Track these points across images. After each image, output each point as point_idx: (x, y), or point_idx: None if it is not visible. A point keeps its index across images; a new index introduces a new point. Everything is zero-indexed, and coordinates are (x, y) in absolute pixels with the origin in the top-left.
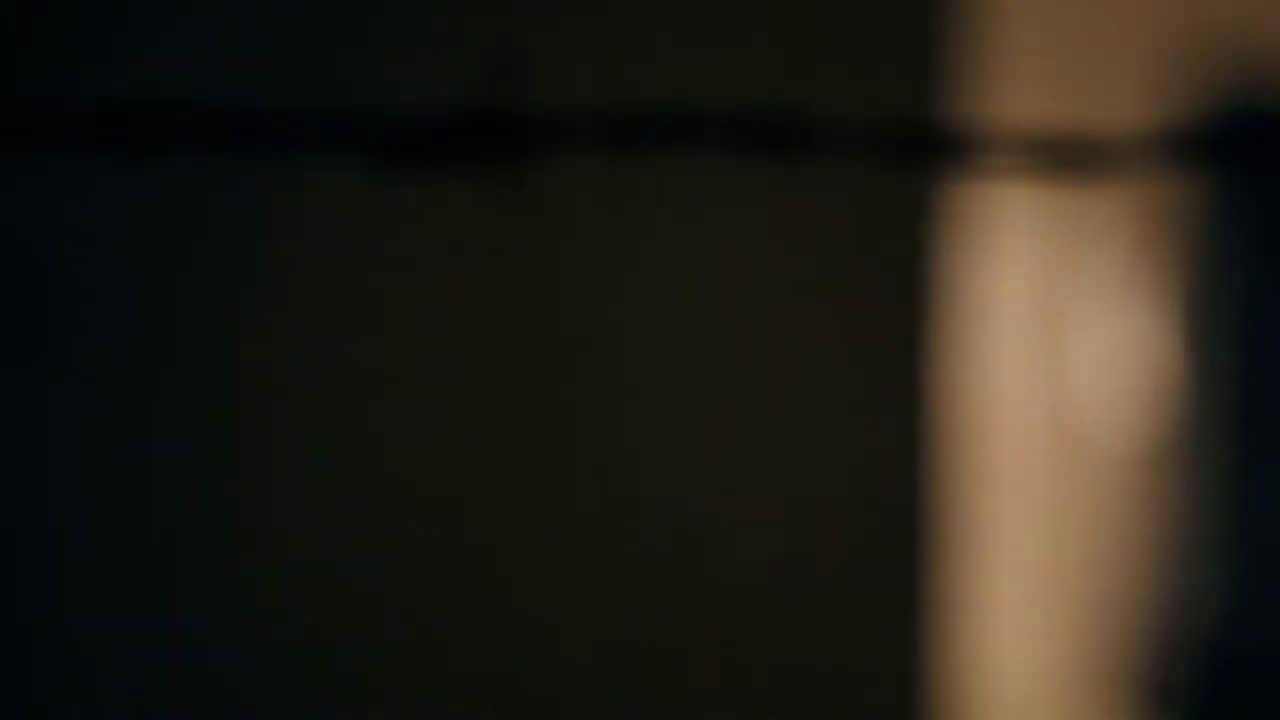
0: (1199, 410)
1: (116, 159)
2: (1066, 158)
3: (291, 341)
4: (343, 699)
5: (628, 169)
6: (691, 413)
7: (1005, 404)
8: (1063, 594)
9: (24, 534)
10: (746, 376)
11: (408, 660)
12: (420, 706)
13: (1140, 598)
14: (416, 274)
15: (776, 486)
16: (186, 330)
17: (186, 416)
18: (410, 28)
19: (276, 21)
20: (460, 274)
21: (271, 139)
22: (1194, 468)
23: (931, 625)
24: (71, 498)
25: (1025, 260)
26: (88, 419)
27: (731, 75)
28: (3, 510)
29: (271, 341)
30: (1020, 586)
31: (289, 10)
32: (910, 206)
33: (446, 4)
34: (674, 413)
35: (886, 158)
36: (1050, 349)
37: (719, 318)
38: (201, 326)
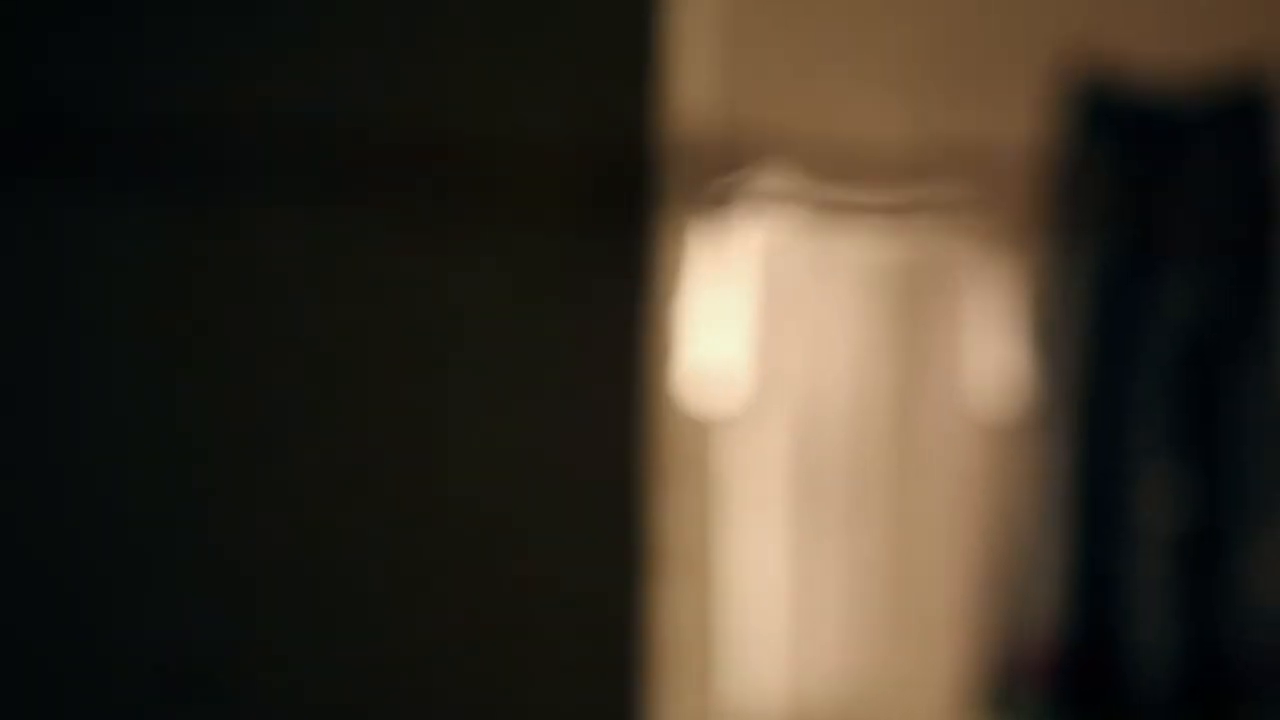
0: (1058, 402)
1: None
2: (931, 163)
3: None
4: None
5: None
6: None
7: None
8: (912, 596)
9: None
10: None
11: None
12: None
13: (1004, 589)
14: None
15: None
16: None
17: None
18: None
19: None
20: None
21: None
22: (1055, 458)
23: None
24: None
25: (889, 259)
26: None
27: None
28: None
29: None
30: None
31: None
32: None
33: None
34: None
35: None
36: (911, 345)
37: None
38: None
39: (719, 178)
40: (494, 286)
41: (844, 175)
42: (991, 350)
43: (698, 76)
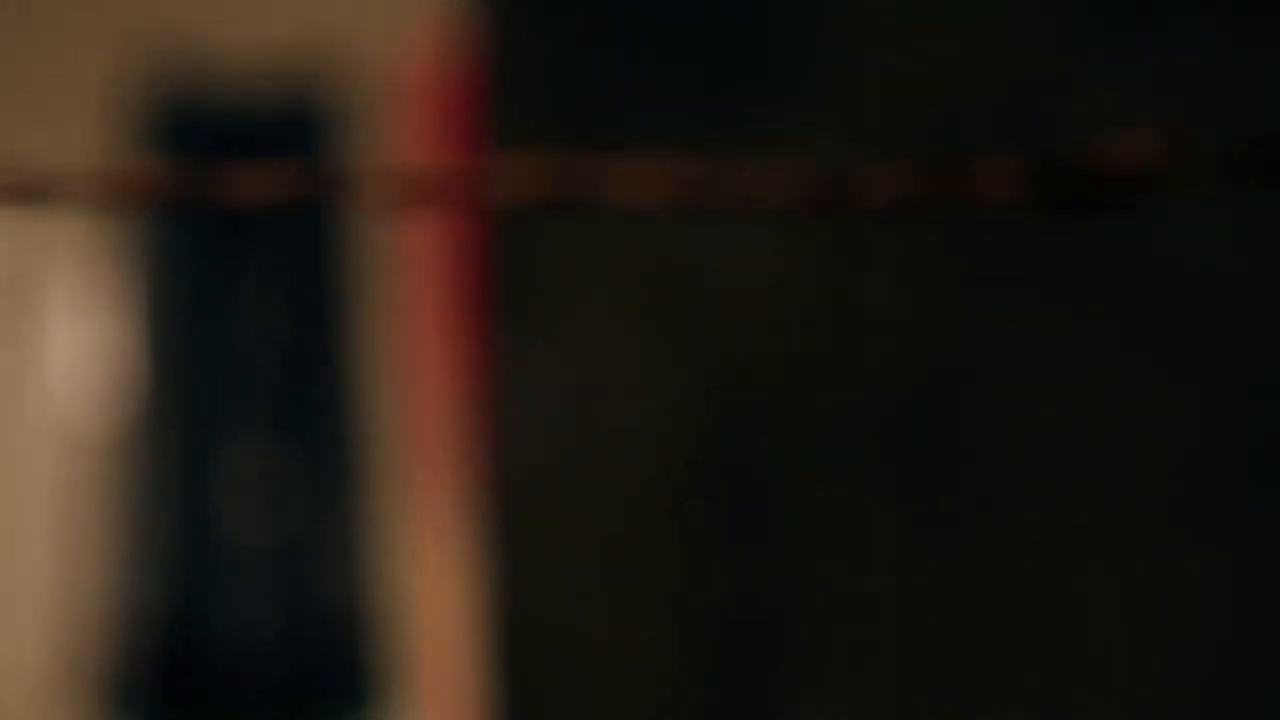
0: (157, 409)
1: None
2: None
3: None
4: None
5: None
6: None
7: None
8: (26, 586)
9: None
10: None
11: None
12: None
13: (101, 592)
14: None
15: None
16: None
17: None
18: None
19: None
20: None
21: None
22: (152, 464)
23: None
24: None
25: None
26: None
27: None
28: None
29: None
30: None
31: None
32: None
33: None
34: None
35: None
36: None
37: None
38: None
39: None
40: None
41: None
42: (86, 359)
43: None
